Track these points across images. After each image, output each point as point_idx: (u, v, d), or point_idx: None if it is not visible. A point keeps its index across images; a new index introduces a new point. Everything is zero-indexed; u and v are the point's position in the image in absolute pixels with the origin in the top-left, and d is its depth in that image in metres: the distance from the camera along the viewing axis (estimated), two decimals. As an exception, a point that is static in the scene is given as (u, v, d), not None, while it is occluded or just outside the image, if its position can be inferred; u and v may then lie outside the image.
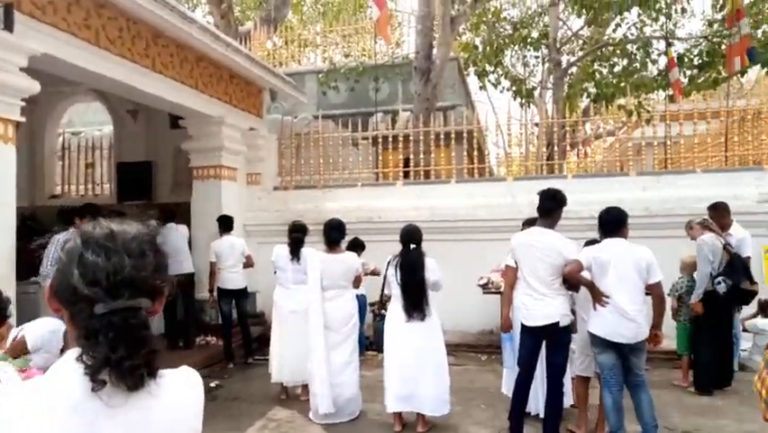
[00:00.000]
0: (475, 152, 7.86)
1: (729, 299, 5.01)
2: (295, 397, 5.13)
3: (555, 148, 7.94)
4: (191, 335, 6.70)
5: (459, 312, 6.82)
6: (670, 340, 5.67)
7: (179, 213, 6.97)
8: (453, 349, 6.90)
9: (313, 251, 4.73)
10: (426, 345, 4.10)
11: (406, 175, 8.24)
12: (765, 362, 2.73)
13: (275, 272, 5.25)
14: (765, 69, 9.07)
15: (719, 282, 4.90)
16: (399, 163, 8.25)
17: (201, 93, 6.52)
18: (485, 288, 6.29)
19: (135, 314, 0.91)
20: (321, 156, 8.41)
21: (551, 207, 3.90)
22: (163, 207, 7.22)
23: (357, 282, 4.76)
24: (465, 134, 8.04)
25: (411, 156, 8.30)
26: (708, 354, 5.15)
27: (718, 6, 10.28)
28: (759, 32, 10.47)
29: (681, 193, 6.74)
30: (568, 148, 10.09)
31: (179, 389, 0.99)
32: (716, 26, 10.91)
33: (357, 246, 6.39)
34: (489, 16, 11.50)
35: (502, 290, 5.92)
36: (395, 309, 4.20)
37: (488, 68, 11.71)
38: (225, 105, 7.08)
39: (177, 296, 6.39)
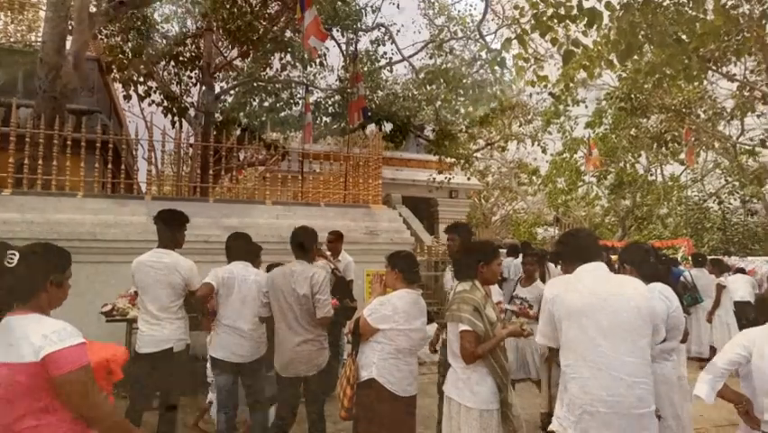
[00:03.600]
0: (110, 165, 7.15)
1: (337, 315, 5.87)
2: None
3: (200, 171, 7.93)
4: None
5: (77, 344, 5.98)
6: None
7: None
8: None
9: None
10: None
11: (18, 183, 6.86)
12: (344, 372, 3.28)
13: None
14: (377, 127, 11.23)
15: (328, 301, 5.70)
16: (10, 168, 6.79)
17: None
18: (109, 315, 5.71)
19: None
20: None
21: (167, 228, 3.95)
22: None
23: None
24: (99, 144, 7.21)
25: (26, 161, 6.95)
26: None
27: (347, 67, 12.26)
28: (376, 97, 12.91)
29: (311, 222, 7.55)
30: (216, 172, 10.21)
31: None
32: (346, 83, 12.93)
33: None
34: (139, 23, 10.78)
35: (129, 316, 5.53)
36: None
37: (136, 77, 10.93)
38: None
39: None
